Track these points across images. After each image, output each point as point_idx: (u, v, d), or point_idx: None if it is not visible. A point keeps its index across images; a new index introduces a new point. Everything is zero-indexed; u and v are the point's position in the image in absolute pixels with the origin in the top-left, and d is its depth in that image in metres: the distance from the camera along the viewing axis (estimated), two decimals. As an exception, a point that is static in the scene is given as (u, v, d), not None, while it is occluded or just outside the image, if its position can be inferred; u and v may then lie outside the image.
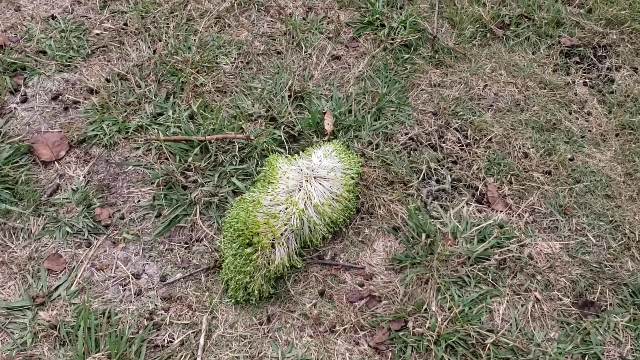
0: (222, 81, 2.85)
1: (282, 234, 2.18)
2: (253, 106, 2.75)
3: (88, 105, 2.69)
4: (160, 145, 2.52)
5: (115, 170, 2.52)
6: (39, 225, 2.32)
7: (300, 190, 2.26)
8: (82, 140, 2.58)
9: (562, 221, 2.52)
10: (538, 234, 2.47)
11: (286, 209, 2.22)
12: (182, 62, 2.86)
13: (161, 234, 2.34)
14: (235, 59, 2.99)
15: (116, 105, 2.69)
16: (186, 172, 2.47)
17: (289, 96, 2.79)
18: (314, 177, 2.29)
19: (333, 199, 2.31)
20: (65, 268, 2.23)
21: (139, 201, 2.43)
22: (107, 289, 2.20)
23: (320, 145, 2.50)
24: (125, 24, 3.06)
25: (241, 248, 2.15)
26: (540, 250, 2.41)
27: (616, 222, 2.52)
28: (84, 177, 2.48)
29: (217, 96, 2.80)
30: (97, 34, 3.01)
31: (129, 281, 2.22)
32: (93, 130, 2.60)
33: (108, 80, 2.79)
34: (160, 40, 2.99)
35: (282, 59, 3.02)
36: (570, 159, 2.75)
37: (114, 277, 2.23)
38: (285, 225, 2.19)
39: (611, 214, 2.55)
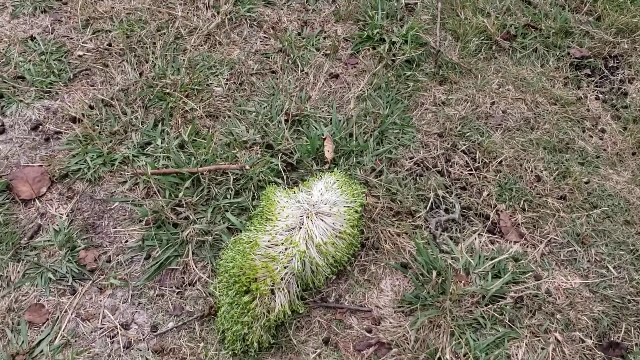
0: (214, 105, 2.68)
1: (282, 279, 2.01)
2: (247, 132, 2.57)
3: (70, 136, 2.51)
4: (149, 179, 2.34)
5: (100, 208, 2.34)
6: (18, 271, 2.15)
7: (300, 228, 2.09)
8: (64, 175, 2.40)
9: (580, 252, 2.36)
10: (555, 266, 2.31)
11: (286, 249, 2.05)
12: (171, 85, 2.68)
13: (151, 278, 2.17)
14: (227, 80, 2.81)
15: (100, 135, 2.51)
16: (177, 208, 2.29)
17: (286, 120, 2.62)
18: (315, 213, 2.12)
19: (336, 236, 2.14)
20: (48, 319, 2.06)
21: (126, 242, 2.26)
22: (93, 341, 2.03)
23: (320, 177, 2.32)
24: (110, 44, 2.88)
25: (238, 296, 1.98)
26: (559, 285, 2.25)
27: (637, 252, 2.36)
28: (67, 215, 2.30)
29: (209, 121, 2.62)
30: (80, 56, 2.83)
31: (117, 332, 2.05)
32: (76, 163, 2.42)
33: (92, 107, 2.61)
34: (146, 62, 2.80)
35: (277, 78, 2.84)
36: (586, 182, 2.59)
37: (101, 328, 2.06)
38: (285, 268, 2.02)
39: (632, 242, 2.39)
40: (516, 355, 2.06)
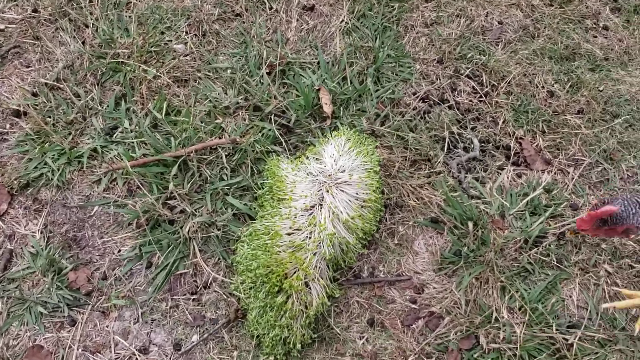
0: (179, 67, 2.28)
1: (314, 267, 1.77)
2: (226, 94, 2.22)
3: (19, 135, 2.09)
4: (127, 174, 1.99)
5: (78, 217, 1.99)
6: (1, 312, 1.81)
7: (322, 205, 1.83)
8: (25, 185, 2.01)
9: (611, 170, 2.20)
10: (589, 190, 2.15)
11: (311, 233, 1.79)
12: (124, 52, 2.25)
13: (159, 289, 1.88)
14: (186, 33, 2.39)
15: (55, 127, 2.10)
16: (169, 202, 1.97)
17: (268, 73, 2.26)
18: (335, 185, 1.85)
19: (362, 206, 1.89)
20: (51, 362, 1.77)
21: (119, 252, 1.94)
22: (111, 375, 1.77)
23: (328, 139, 2.03)
24: (35, 10, 2.38)
25: (270, 297, 1.73)
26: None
27: (668, 159, 2.23)
28: (41, 233, 1.95)
29: (179, 89, 2.24)
30: (2, 31, 2.33)
31: (136, 359, 1.79)
32: (36, 168, 2.02)
33: (35, 95, 2.17)
34: (86, 26, 2.34)
35: (244, 22, 2.44)
36: (600, 90, 2.39)
37: (116, 358, 1.79)
38: (315, 255, 1.77)
39: (659, 149, 2.25)
40: (571, 297, 1.93)
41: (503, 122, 2.28)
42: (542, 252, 1.98)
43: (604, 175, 2.19)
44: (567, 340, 1.80)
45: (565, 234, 2.00)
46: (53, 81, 2.19)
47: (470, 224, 1.98)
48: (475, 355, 1.79)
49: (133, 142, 2.07)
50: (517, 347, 1.78)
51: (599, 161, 2.22)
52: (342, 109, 2.20)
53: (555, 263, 1.97)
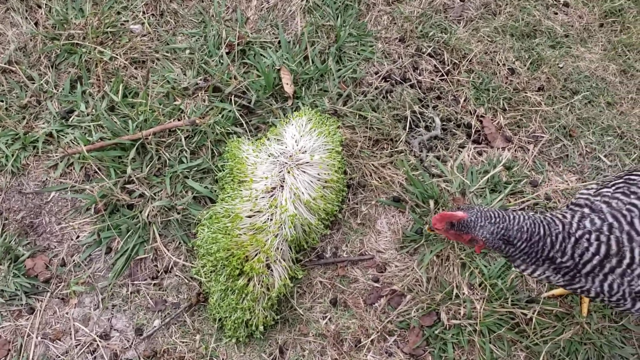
0: (136, 48, 2.23)
1: (276, 249, 1.76)
2: (185, 75, 2.18)
3: (-30, 120, 2.03)
4: (84, 158, 1.95)
5: (35, 203, 1.94)
6: (-45, 302, 1.78)
7: (283, 187, 1.82)
8: (-23, 172, 1.96)
9: (570, 146, 2.23)
10: (549, 167, 2.18)
11: (272, 215, 1.78)
12: (79, 33, 2.19)
13: (119, 275, 1.86)
14: (143, 13, 2.33)
15: (9, 112, 2.04)
16: (127, 186, 1.94)
17: (228, 53, 2.22)
18: (296, 166, 1.84)
19: (323, 187, 1.88)
20: (9, 350, 1.74)
21: (77, 238, 1.91)
22: (72, 362, 1.75)
23: (289, 119, 2.01)
24: (-16, -10, 2.30)
25: (231, 280, 1.72)
26: (556, 187, 2.13)
27: (624, 135, 2.26)
28: (-4, 220, 1.91)
29: (136, 70, 2.19)
30: (-51, 12, 2.25)
31: (98, 345, 1.77)
32: (-12, 154, 1.97)
33: (-14, 78, 2.11)
34: (39, 7, 2.26)
35: (203, 1, 2.39)
36: (560, 67, 2.42)
37: (77, 345, 1.77)
38: (276, 237, 1.77)
39: (617, 125, 2.28)
40: (530, 272, 1.96)
41: (464, 100, 2.29)
42: (502, 229, 2.00)
43: (564, 151, 2.22)
44: (526, 314, 1.84)
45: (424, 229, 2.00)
46: (5, 64, 2.12)
47: (432, 203, 1.99)
48: (436, 332, 1.81)
49: (90, 126, 2.02)
50: (477, 323, 1.81)
51: (559, 138, 2.24)
52: (303, 89, 2.18)
53: (515, 239, 1.99)
